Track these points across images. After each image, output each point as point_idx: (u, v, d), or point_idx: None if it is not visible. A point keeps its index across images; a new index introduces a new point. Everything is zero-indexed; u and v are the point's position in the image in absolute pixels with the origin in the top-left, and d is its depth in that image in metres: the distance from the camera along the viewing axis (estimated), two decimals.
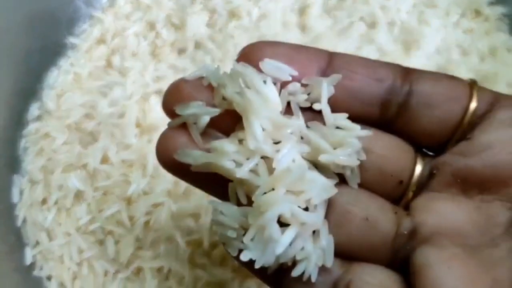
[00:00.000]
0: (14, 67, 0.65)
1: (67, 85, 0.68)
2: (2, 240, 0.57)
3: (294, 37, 0.73)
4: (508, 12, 0.79)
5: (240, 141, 0.30)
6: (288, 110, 0.31)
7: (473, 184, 0.30)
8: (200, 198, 0.59)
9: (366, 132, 0.30)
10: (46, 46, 0.69)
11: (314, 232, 0.29)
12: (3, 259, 0.56)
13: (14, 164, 0.62)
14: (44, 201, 0.61)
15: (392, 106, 0.31)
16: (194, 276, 0.56)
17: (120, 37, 0.73)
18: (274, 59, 0.31)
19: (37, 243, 0.59)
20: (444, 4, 0.78)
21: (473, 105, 0.31)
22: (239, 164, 0.29)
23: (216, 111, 0.30)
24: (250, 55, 0.31)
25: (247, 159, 0.29)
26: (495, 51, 0.76)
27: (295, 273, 0.29)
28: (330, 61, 0.32)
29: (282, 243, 0.28)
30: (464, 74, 0.73)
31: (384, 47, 0.74)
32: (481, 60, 0.75)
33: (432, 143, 0.32)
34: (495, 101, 0.32)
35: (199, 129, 0.31)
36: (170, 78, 0.69)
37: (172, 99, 0.32)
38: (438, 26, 0.76)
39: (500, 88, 0.71)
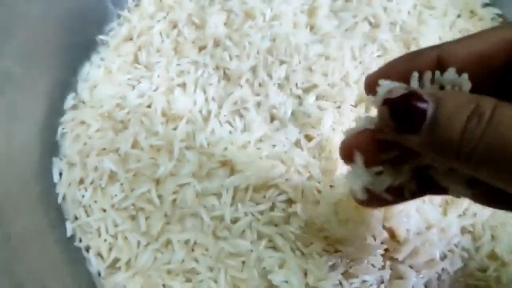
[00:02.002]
0: (52, 61, 0.71)
1: (98, 78, 0.75)
2: (44, 215, 0.63)
3: (303, 36, 0.80)
4: (501, 13, 0.86)
5: None
6: None
7: None
8: (221, 180, 0.66)
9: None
10: (79, 42, 0.75)
11: None
12: (46, 232, 0.62)
13: (54, 148, 0.68)
14: (81, 181, 0.67)
15: None
16: (217, 247, 0.62)
17: (145, 35, 0.79)
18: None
19: (76, 218, 0.65)
20: (442, 5, 0.84)
21: None
22: None
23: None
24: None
25: None
26: None
27: None
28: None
29: None
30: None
31: (386, 45, 0.80)
32: None
33: None
34: None
35: None
36: (192, 73, 0.76)
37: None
38: (436, 26, 0.83)
39: None
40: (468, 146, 0.33)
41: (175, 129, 0.70)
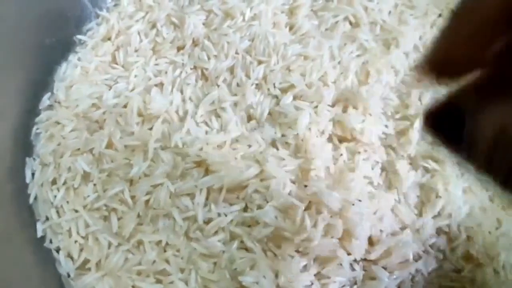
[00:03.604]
0: (27, 60, 0.71)
1: (75, 78, 0.74)
2: (15, 215, 0.62)
3: (283, 35, 0.79)
4: None
5: None
6: None
7: None
8: (195, 180, 0.65)
9: None
10: (57, 42, 0.75)
11: None
12: (17, 233, 0.61)
13: (27, 148, 0.68)
14: (54, 181, 0.66)
15: None
16: (189, 248, 0.62)
17: (124, 35, 0.79)
18: None
19: (47, 218, 0.64)
20: (423, 5, 0.84)
21: None
22: None
23: None
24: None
25: None
26: None
27: None
28: None
29: None
30: None
31: (366, 45, 0.80)
32: None
33: None
34: None
35: None
36: (169, 72, 0.76)
37: None
38: (417, 25, 0.82)
39: None
40: None
41: (150, 129, 0.70)
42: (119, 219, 0.64)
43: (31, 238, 0.62)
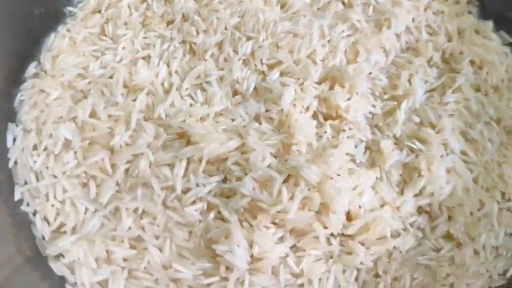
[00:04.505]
0: (14, 29, 0.71)
1: (62, 48, 0.74)
2: None
3: (273, 13, 0.79)
4: None
5: None
6: None
7: None
8: (176, 150, 0.65)
9: None
10: (46, 13, 0.75)
11: None
12: None
13: (10, 114, 0.68)
14: (34, 147, 0.66)
15: None
16: (166, 217, 0.62)
17: (114, 7, 0.79)
18: None
19: (26, 182, 0.64)
20: None
21: None
22: None
23: None
24: None
25: None
26: (463, 32, 0.82)
27: None
28: None
29: None
30: (431, 52, 0.78)
31: (357, 25, 0.79)
32: (448, 40, 0.81)
33: None
34: None
35: None
36: (157, 46, 0.76)
37: None
38: (410, 7, 0.82)
39: (464, 65, 0.76)
40: None
41: (135, 100, 0.70)
42: (97, 186, 0.64)
43: (8, 200, 0.62)
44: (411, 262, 0.63)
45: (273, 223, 0.61)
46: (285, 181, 0.62)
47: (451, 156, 0.68)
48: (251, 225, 0.60)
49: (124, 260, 0.60)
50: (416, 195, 0.66)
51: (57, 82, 0.71)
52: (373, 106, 0.73)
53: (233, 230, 0.59)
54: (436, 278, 0.62)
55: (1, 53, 0.69)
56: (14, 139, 0.66)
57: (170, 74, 0.73)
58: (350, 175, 0.64)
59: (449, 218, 0.66)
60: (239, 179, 0.63)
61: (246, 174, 0.63)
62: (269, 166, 0.63)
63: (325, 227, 0.61)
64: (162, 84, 0.72)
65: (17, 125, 0.68)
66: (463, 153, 0.70)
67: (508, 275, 0.63)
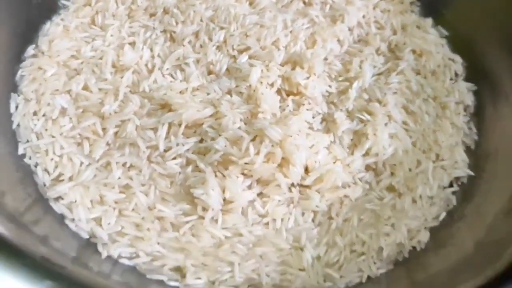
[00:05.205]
0: (15, 17, 0.81)
1: (57, 34, 0.85)
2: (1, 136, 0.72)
3: (243, 8, 0.91)
4: None
5: None
6: None
7: None
8: (158, 117, 0.75)
9: None
10: (43, 3, 0.85)
11: None
12: (2, 147, 0.71)
13: (13, 87, 0.77)
14: (34, 113, 0.75)
15: None
16: (150, 169, 0.72)
17: (102, 1, 0.90)
18: None
19: (27, 141, 0.73)
20: None
21: None
22: None
23: None
24: None
25: None
26: (406, 27, 0.95)
27: None
28: None
29: None
30: (379, 43, 0.91)
31: (315, 20, 0.92)
32: (393, 33, 0.94)
33: None
34: None
35: None
36: (142, 34, 0.87)
37: None
38: (361, 6, 0.95)
39: (406, 53, 0.89)
40: None
41: (122, 77, 0.80)
42: (90, 145, 0.74)
43: (13, 152, 0.72)
44: (359, 207, 0.74)
45: (243, 174, 0.72)
46: (252, 140, 0.73)
47: (393, 124, 0.80)
48: (224, 175, 0.71)
49: (115, 202, 0.69)
50: (363, 155, 0.77)
51: (53, 61, 0.81)
52: (329, 86, 0.85)
53: (208, 178, 0.69)
54: (380, 220, 0.73)
55: (4, 37, 0.79)
56: (17, 107, 0.76)
57: (153, 57, 0.84)
58: (307, 136, 0.75)
59: (392, 174, 0.77)
60: (213, 139, 0.74)
61: (220, 136, 0.74)
62: (239, 127, 0.74)
63: (286, 177, 0.71)
64: (146, 65, 0.83)
65: (18, 95, 0.77)
66: (404, 123, 0.82)
67: (441, 218, 0.75)
